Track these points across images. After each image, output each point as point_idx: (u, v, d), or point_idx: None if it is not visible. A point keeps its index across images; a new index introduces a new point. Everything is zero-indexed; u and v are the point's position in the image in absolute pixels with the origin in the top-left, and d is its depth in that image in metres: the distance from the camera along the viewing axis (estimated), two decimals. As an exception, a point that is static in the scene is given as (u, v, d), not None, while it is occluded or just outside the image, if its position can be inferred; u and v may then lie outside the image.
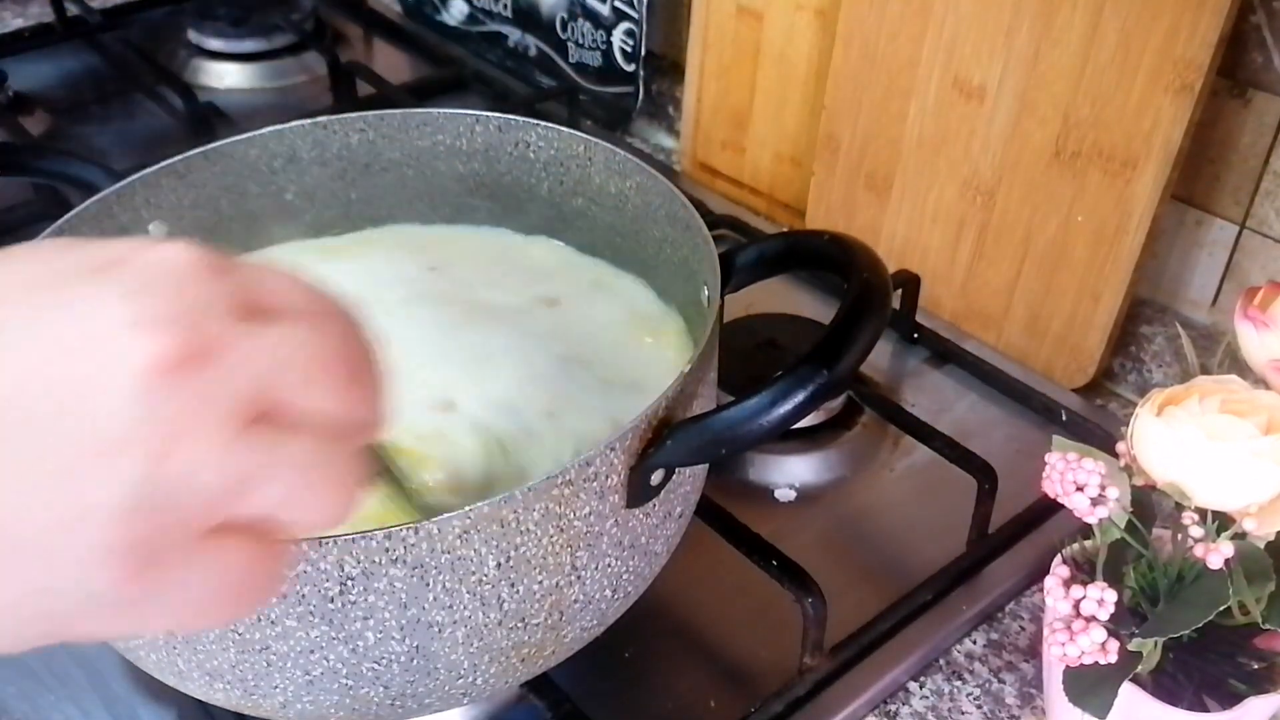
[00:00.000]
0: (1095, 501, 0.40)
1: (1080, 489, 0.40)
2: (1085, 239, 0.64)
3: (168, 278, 0.22)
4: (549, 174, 0.55)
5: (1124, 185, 0.61)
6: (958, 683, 0.52)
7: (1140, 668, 0.41)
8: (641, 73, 0.87)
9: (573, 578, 0.39)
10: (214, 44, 0.99)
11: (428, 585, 0.36)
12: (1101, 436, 0.60)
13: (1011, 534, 0.57)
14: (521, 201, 0.57)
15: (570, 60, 0.92)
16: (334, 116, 0.55)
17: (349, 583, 0.35)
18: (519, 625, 0.39)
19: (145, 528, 0.21)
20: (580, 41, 0.90)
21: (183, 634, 0.25)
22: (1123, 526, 0.41)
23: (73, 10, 1.00)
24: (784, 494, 0.61)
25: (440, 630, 0.37)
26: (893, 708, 0.51)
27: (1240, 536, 0.39)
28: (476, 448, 0.46)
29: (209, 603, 0.23)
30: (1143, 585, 0.43)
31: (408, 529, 0.35)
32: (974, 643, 0.54)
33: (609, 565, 0.41)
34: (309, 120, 0.55)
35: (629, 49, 0.87)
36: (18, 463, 0.21)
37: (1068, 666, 0.41)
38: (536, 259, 0.57)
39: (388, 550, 0.35)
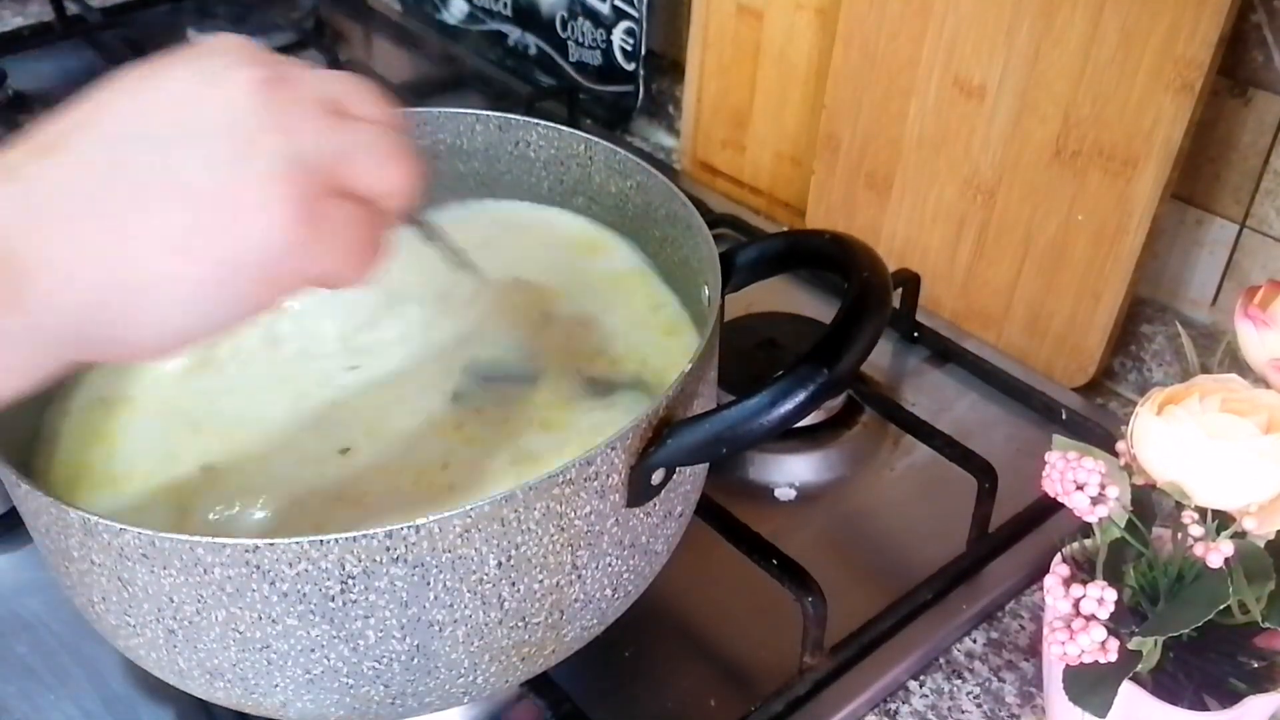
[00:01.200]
0: (1095, 500, 0.40)
1: (1080, 488, 0.40)
2: (1086, 238, 0.64)
3: (236, 46, 0.32)
4: (549, 173, 0.55)
5: (1124, 184, 0.61)
6: (958, 682, 0.52)
7: (1140, 667, 0.41)
8: (642, 72, 0.87)
9: (573, 577, 0.39)
10: (214, 43, 0.98)
11: (428, 584, 0.36)
12: (1102, 435, 0.60)
13: (1011, 533, 0.57)
14: (521, 201, 0.57)
15: (570, 59, 0.92)
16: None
17: (350, 581, 0.35)
18: (519, 624, 0.39)
19: (298, 182, 0.30)
20: (580, 40, 0.90)
21: (343, 280, 0.32)
22: (1123, 525, 0.41)
23: (72, 9, 1.00)
24: (784, 493, 0.61)
25: (441, 629, 0.37)
26: (893, 707, 0.51)
27: (1240, 535, 0.39)
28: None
29: (351, 248, 0.31)
30: (1143, 584, 0.43)
31: (408, 528, 0.35)
32: (974, 642, 0.54)
33: (609, 564, 0.41)
34: (309, 119, 0.55)
35: (629, 48, 0.87)
36: (195, 154, 0.29)
37: (1068, 665, 0.41)
38: (550, 238, 0.56)
39: (388, 549, 0.35)
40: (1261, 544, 0.40)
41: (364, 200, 0.31)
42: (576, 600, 0.40)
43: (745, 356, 0.65)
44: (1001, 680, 0.52)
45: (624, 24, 0.86)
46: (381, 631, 0.37)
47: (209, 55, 0.31)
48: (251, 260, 0.29)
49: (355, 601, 0.36)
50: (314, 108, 0.31)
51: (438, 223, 0.43)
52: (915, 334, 0.70)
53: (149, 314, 0.29)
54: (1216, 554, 0.38)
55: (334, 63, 0.91)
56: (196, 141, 0.29)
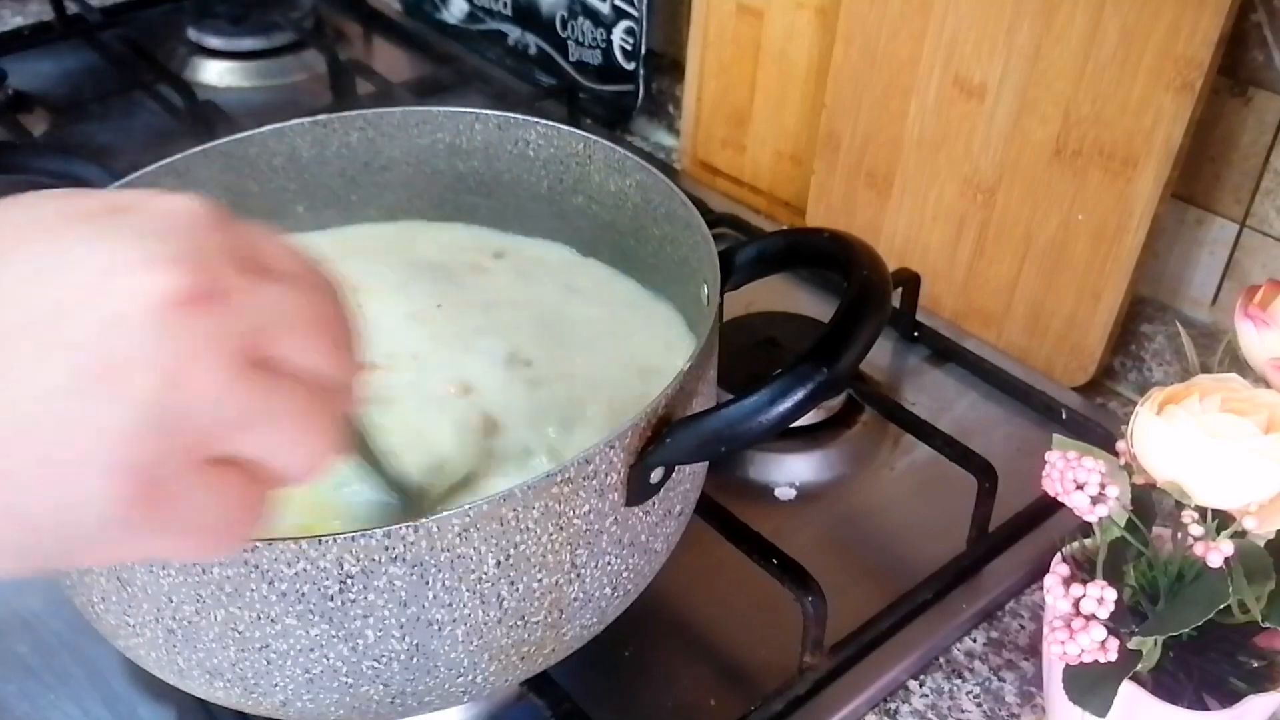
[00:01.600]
0: (1095, 500, 0.40)
1: (1080, 487, 0.40)
2: (1086, 237, 0.64)
3: (179, 224, 0.24)
4: (549, 172, 0.55)
5: (1125, 184, 0.61)
6: (958, 681, 0.52)
7: (1140, 666, 0.41)
8: (641, 71, 0.87)
9: (572, 576, 0.39)
10: (213, 42, 0.98)
11: (427, 583, 0.36)
12: (1102, 435, 0.60)
13: (1011, 532, 0.57)
14: (521, 200, 0.57)
15: (570, 58, 0.92)
16: (334, 115, 0.55)
17: (349, 581, 0.35)
18: (519, 623, 0.39)
19: (153, 448, 0.23)
20: (580, 40, 0.90)
21: (177, 560, 0.27)
22: (1123, 525, 0.41)
23: (72, 8, 1.00)
24: (784, 492, 0.61)
25: (440, 628, 0.37)
26: (893, 706, 0.51)
27: (1240, 535, 0.39)
28: (452, 433, 0.46)
29: (204, 530, 0.25)
30: (1143, 584, 0.43)
31: (407, 527, 0.35)
32: (974, 641, 0.54)
33: (609, 563, 0.41)
34: (309, 119, 0.55)
35: (629, 47, 0.87)
36: (38, 382, 0.22)
37: (1068, 665, 0.40)
38: (535, 256, 0.57)
39: (387, 548, 0.35)
40: (1261, 543, 0.40)
41: (250, 469, 0.25)
42: (576, 599, 0.40)
43: (745, 355, 0.65)
44: (1001, 680, 0.52)
45: (624, 23, 0.86)
46: (380, 631, 0.37)
47: (134, 235, 0.24)
48: (54, 526, 0.23)
49: (354, 601, 0.36)
50: (228, 355, 0.23)
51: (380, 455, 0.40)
52: (915, 333, 0.70)
53: None
54: (1216, 553, 0.38)
55: (334, 61, 0.91)
56: (54, 357, 0.22)
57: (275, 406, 0.25)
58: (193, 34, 0.99)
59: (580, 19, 0.89)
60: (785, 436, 0.62)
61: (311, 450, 0.26)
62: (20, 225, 0.24)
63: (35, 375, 0.22)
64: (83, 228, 0.24)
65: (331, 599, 0.35)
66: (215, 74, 0.97)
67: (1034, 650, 0.53)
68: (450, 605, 0.37)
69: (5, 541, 0.23)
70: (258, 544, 0.34)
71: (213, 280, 0.23)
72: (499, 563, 0.37)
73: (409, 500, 0.42)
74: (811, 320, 0.68)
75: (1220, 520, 0.39)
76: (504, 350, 0.50)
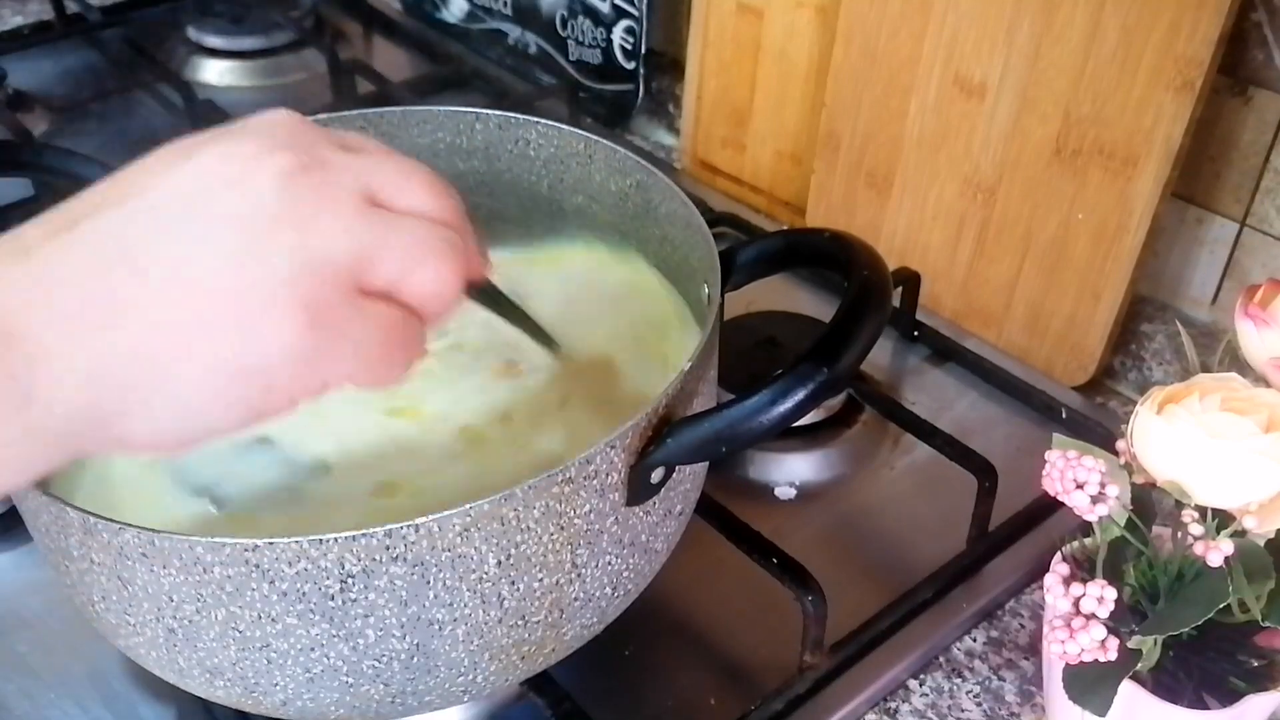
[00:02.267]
0: (1095, 499, 0.40)
1: (1080, 487, 0.40)
2: (1086, 237, 0.64)
3: (279, 124, 0.31)
4: (549, 172, 0.55)
5: (1125, 183, 0.61)
6: (958, 680, 0.52)
7: (1140, 665, 0.41)
8: (642, 70, 0.87)
9: (573, 575, 0.39)
10: (213, 41, 0.98)
11: (428, 583, 0.36)
12: (1102, 434, 0.60)
13: (1011, 532, 0.57)
14: (521, 199, 0.57)
15: (570, 58, 0.92)
16: (333, 114, 0.55)
17: (349, 580, 0.35)
18: (519, 623, 0.39)
19: (311, 284, 0.28)
20: (580, 39, 0.90)
21: (365, 384, 0.30)
22: (1123, 524, 0.41)
23: (72, 7, 1.00)
24: (784, 492, 0.61)
25: (440, 628, 0.37)
26: (893, 705, 0.51)
27: (1240, 534, 0.39)
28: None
29: (373, 353, 0.29)
30: (1143, 583, 0.43)
31: (407, 527, 0.35)
32: (974, 640, 0.54)
33: (609, 563, 0.41)
34: (308, 118, 0.55)
35: (629, 46, 0.87)
36: (212, 251, 0.27)
37: (1068, 664, 0.41)
38: (535, 256, 0.57)
39: (388, 548, 0.35)
40: (1261, 542, 0.40)
41: (393, 301, 0.30)
42: (576, 599, 0.40)
43: (745, 355, 0.65)
44: (1001, 679, 0.52)
45: (624, 22, 0.86)
46: (381, 630, 0.37)
47: (246, 136, 0.30)
48: (255, 366, 0.28)
49: (355, 600, 0.36)
50: (345, 199, 0.29)
51: (517, 302, 0.42)
52: (915, 333, 0.70)
53: (147, 414, 0.28)
54: (1216, 553, 0.38)
55: (334, 60, 0.91)
56: (209, 235, 0.28)
57: (397, 237, 0.29)
58: (193, 33, 0.99)
59: (580, 18, 0.89)
60: (785, 436, 0.62)
61: (440, 275, 0.30)
62: (162, 153, 0.30)
63: (208, 248, 0.27)
64: (208, 143, 0.29)
65: (332, 598, 0.35)
66: (215, 73, 0.97)
67: (1034, 649, 0.53)
68: (451, 605, 0.37)
69: (219, 392, 0.28)
70: (258, 543, 0.34)
71: (314, 154, 0.29)
72: (500, 562, 0.37)
73: (549, 345, 0.46)
74: (812, 320, 0.68)
75: (1220, 520, 0.39)
76: (501, 356, 0.50)
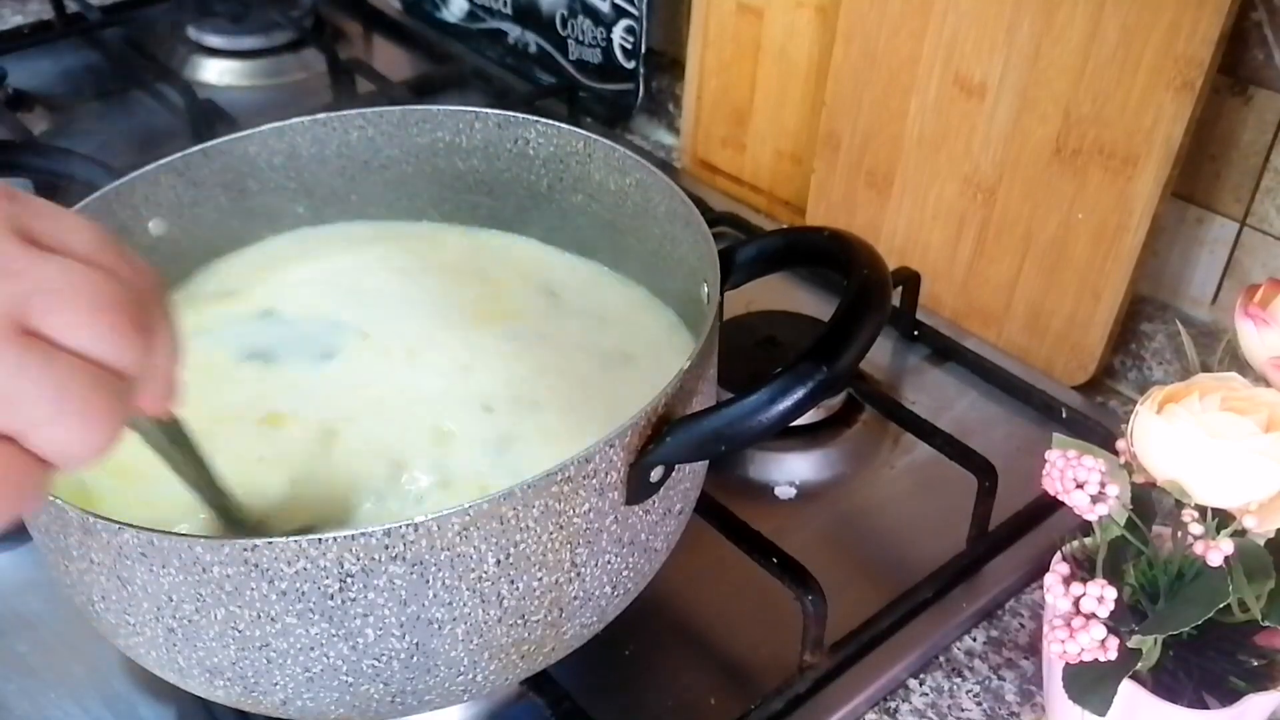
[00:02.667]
0: (1095, 499, 0.40)
1: (1080, 486, 0.40)
2: (1086, 236, 0.64)
3: None
4: (548, 171, 0.55)
5: (1125, 182, 0.61)
6: (958, 680, 0.52)
7: (1140, 665, 0.41)
8: (641, 70, 0.87)
9: (572, 574, 0.39)
10: (213, 41, 0.98)
11: (427, 582, 0.36)
12: (1102, 434, 0.60)
13: (1011, 531, 0.57)
14: (521, 198, 0.57)
15: (570, 57, 0.92)
16: (333, 113, 0.55)
17: (349, 580, 0.35)
18: (519, 622, 0.39)
19: None
20: (580, 38, 0.90)
21: (68, 460, 0.25)
22: (1123, 524, 0.41)
23: (72, 7, 1.00)
24: (784, 491, 0.61)
25: (440, 627, 0.37)
26: (893, 705, 0.51)
27: (1240, 534, 0.39)
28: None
29: (73, 414, 0.24)
30: (1143, 582, 0.43)
31: (406, 526, 0.35)
32: (974, 640, 0.54)
33: (609, 562, 0.41)
34: (308, 117, 0.55)
35: (629, 46, 0.87)
36: None
37: (1068, 664, 0.40)
38: (532, 257, 0.57)
39: (387, 547, 0.35)
40: (1261, 542, 0.40)
41: (18, 445, 0.24)
42: (576, 598, 0.40)
43: (744, 354, 0.65)
44: (1001, 679, 0.52)
45: (624, 22, 0.86)
46: (380, 630, 0.37)
47: None
48: None
49: (354, 600, 0.36)
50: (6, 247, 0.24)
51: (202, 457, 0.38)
52: (915, 332, 0.70)
53: None
54: (1216, 552, 0.38)
55: (334, 60, 0.91)
56: None
57: (34, 381, 0.24)
58: (193, 33, 0.99)
59: (580, 17, 0.89)
60: (785, 435, 0.62)
61: (79, 431, 0.25)
62: None
63: None
64: None
65: (332, 598, 0.35)
66: (215, 73, 0.97)
67: (1034, 649, 0.53)
68: (450, 604, 0.37)
69: None
70: (257, 543, 0.34)
71: None
72: (499, 561, 0.37)
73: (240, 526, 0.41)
74: (811, 319, 0.68)
75: (1220, 519, 0.39)
76: (499, 351, 0.50)
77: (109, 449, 0.25)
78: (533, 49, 0.95)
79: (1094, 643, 0.39)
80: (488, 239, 0.58)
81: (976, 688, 0.52)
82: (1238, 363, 0.43)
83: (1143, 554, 0.42)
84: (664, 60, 0.89)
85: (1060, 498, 0.40)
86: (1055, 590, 0.41)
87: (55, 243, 0.25)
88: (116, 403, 0.25)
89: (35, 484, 0.25)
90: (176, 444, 0.36)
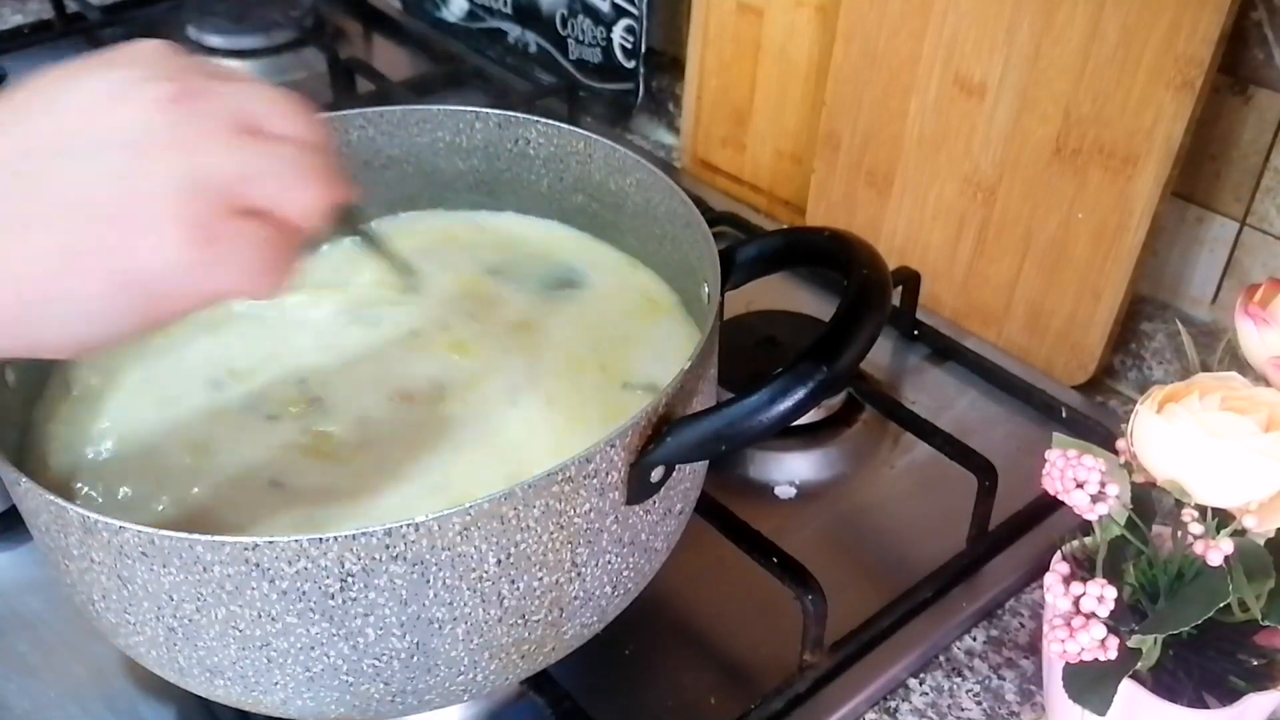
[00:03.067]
0: (1095, 498, 0.40)
1: (1080, 486, 0.40)
2: (1086, 236, 0.64)
3: (150, 55, 0.32)
4: (549, 170, 0.55)
5: (1125, 182, 0.61)
6: (958, 679, 0.52)
7: (1140, 664, 0.41)
8: (642, 69, 0.87)
9: (573, 574, 0.39)
10: (214, 40, 0.98)
11: (428, 582, 0.36)
12: (1102, 434, 0.60)
13: (1012, 531, 0.57)
14: (521, 198, 0.57)
15: (570, 57, 0.92)
16: (334, 113, 0.55)
17: (349, 579, 0.35)
18: (519, 622, 0.39)
19: (192, 203, 0.30)
20: (580, 38, 0.90)
21: (243, 295, 0.32)
22: (1123, 523, 0.41)
23: (72, 7, 1.00)
24: (784, 491, 0.61)
25: (440, 627, 0.37)
26: (893, 704, 0.51)
27: (1240, 533, 0.39)
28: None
29: (252, 266, 0.31)
30: (1143, 582, 0.43)
31: (407, 526, 0.35)
32: (974, 639, 0.54)
33: (609, 562, 0.41)
34: (309, 117, 0.55)
35: (629, 45, 0.87)
36: (100, 172, 0.30)
37: (1068, 663, 0.41)
38: (541, 245, 0.57)
39: (388, 547, 0.35)
40: (1261, 542, 0.40)
41: (271, 218, 0.32)
42: (576, 598, 0.40)
43: (745, 354, 0.65)
44: (1001, 678, 0.52)
45: (624, 21, 0.86)
46: (381, 629, 0.37)
47: (126, 64, 0.32)
48: (143, 278, 0.30)
49: (355, 599, 0.36)
50: (224, 124, 0.31)
51: (379, 231, 0.43)
52: (915, 332, 0.70)
53: (48, 324, 0.31)
54: (1216, 552, 0.38)
55: (334, 59, 0.91)
56: (98, 156, 0.30)
57: (272, 160, 0.32)
58: (193, 32, 0.99)
59: (580, 17, 0.89)
60: (785, 435, 0.62)
61: (311, 195, 0.32)
62: (47, 78, 0.31)
63: (97, 170, 0.30)
64: (90, 70, 0.31)
65: (332, 597, 0.35)
66: (215, 72, 0.97)
67: (1034, 648, 0.53)
68: (451, 604, 0.37)
69: (111, 302, 0.30)
70: (258, 542, 0.34)
71: (190, 83, 0.31)
72: (499, 561, 0.37)
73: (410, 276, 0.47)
74: (811, 319, 0.68)
75: (1220, 519, 0.39)
76: (497, 350, 0.50)
77: (329, 211, 0.33)
78: (533, 48, 0.95)
79: (1094, 642, 0.39)
80: (489, 237, 0.58)
81: (976, 687, 0.52)
82: (1238, 362, 0.43)
83: (1143, 553, 0.42)
84: (664, 60, 0.89)
85: (1060, 497, 0.40)
86: (1055, 590, 0.41)
87: (228, 77, 0.33)
88: (329, 177, 0.33)
89: (294, 250, 0.33)
90: (352, 224, 0.42)
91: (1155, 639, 0.41)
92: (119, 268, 0.30)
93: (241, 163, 0.31)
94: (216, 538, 0.34)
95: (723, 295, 0.45)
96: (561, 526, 0.38)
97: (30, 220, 0.30)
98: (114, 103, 0.31)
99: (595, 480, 0.38)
